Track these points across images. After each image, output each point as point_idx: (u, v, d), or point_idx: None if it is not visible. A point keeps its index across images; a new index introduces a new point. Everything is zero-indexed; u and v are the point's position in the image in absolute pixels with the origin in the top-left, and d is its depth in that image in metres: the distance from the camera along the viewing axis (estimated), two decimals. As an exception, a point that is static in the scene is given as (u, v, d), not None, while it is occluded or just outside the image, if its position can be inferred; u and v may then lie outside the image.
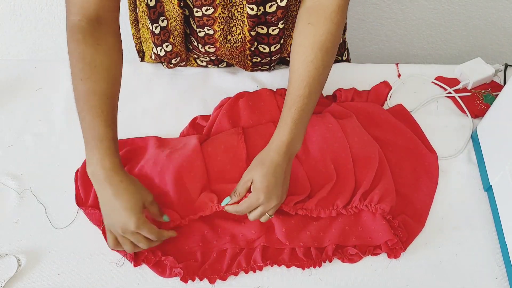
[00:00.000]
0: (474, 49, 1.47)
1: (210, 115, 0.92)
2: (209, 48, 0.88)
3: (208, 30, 0.84)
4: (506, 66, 0.98)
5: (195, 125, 0.91)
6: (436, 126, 0.91)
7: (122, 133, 0.90)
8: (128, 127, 0.91)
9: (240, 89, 0.94)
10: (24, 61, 1.02)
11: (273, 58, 0.94)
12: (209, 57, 0.96)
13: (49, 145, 0.89)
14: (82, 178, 0.82)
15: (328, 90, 0.95)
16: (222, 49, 0.88)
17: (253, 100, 0.91)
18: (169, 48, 0.91)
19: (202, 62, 0.99)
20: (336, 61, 1.04)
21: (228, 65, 1.00)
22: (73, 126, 0.91)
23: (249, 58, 0.92)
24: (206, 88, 0.97)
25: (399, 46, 1.48)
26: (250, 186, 0.73)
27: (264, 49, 0.90)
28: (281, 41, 0.89)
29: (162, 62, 0.99)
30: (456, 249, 0.77)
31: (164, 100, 0.95)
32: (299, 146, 0.75)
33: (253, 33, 0.84)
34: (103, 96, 0.71)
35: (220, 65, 0.99)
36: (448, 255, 0.77)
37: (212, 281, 0.74)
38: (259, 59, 0.93)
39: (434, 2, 1.33)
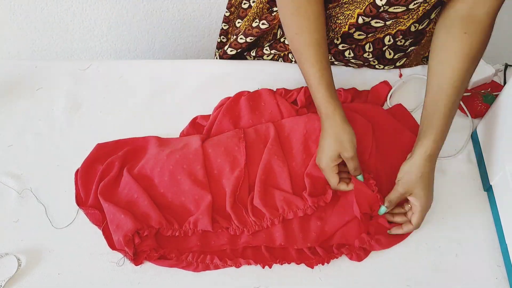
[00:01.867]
0: (474, 49, 1.46)
1: (210, 115, 0.92)
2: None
3: None
4: (506, 66, 0.98)
5: (195, 125, 0.91)
6: (436, 126, 0.91)
7: (122, 133, 0.90)
8: (128, 127, 0.91)
9: (240, 89, 0.94)
10: (24, 61, 1.02)
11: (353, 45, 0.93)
12: None
13: (49, 145, 0.88)
14: (82, 178, 0.82)
15: (328, 90, 0.95)
16: None
17: (253, 100, 0.91)
18: None
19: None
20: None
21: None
22: (73, 126, 0.91)
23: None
24: (207, 88, 0.97)
25: (399, 46, 1.48)
26: (405, 198, 0.77)
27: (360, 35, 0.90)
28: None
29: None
30: (456, 249, 0.77)
31: (164, 100, 0.95)
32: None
33: (360, 20, 0.84)
34: (316, 47, 0.78)
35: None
36: (448, 255, 0.77)
37: (224, 263, 0.74)
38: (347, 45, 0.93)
39: (434, 2, 1.33)
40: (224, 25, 1.08)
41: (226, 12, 1.06)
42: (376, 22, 0.85)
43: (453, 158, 0.87)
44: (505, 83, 0.96)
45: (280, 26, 0.96)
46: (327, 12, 0.87)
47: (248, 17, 0.98)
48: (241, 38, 0.97)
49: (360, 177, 0.79)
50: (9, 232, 0.78)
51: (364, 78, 0.98)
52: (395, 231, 0.77)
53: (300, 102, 0.91)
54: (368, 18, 0.83)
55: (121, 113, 0.94)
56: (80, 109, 0.94)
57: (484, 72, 0.95)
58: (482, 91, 0.95)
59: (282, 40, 0.96)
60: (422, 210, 0.75)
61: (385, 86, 0.96)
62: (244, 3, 1.00)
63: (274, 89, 0.94)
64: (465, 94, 0.94)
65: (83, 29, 1.41)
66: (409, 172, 0.76)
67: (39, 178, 0.84)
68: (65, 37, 1.44)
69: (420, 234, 0.79)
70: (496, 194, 0.79)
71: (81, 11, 1.36)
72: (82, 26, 1.40)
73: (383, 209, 0.77)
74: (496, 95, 0.91)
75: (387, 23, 0.84)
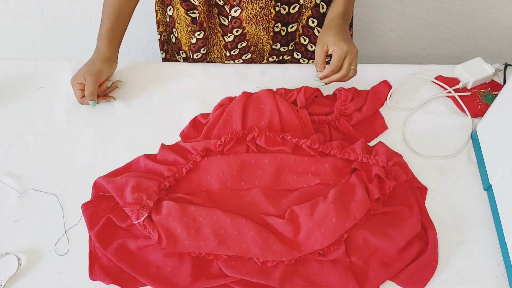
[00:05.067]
0: (474, 49, 1.47)
1: (210, 113, 0.92)
2: (235, 11, 0.89)
3: None
4: (506, 65, 0.98)
5: (195, 125, 0.91)
6: (436, 126, 0.91)
7: (122, 133, 0.90)
8: (128, 127, 0.91)
9: (239, 89, 0.94)
10: (24, 61, 1.02)
11: (290, 46, 0.96)
12: (235, 36, 0.97)
13: (49, 145, 0.89)
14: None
15: (328, 90, 0.95)
16: (250, 7, 0.91)
17: (253, 102, 0.90)
18: (195, 14, 0.95)
19: (230, 52, 1.00)
20: None
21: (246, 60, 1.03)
22: (73, 126, 0.91)
23: (272, 24, 0.96)
24: (206, 88, 0.97)
25: (399, 46, 1.48)
26: (327, 50, 0.86)
27: (283, 31, 0.96)
28: (301, 1, 0.94)
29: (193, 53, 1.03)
30: (456, 249, 0.77)
31: (164, 100, 0.95)
32: (349, 16, 0.92)
33: (277, 8, 0.88)
34: (116, 11, 0.94)
35: (244, 56, 1.02)
36: (448, 255, 0.77)
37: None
38: (279, 45, 0.97)
39: (434, 2, 1.33)
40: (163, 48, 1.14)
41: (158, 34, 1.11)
42: None
43: (453, 158, 0.87)
44: (505, 82, 0.96)
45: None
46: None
47: (184, 42, 1.02)
48: (196, 55, 1.02)
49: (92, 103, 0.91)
50: (9, 232, 0.78)
51: (364, 78, 0.98)
52: (320, 74, 0.87)
53: (300, 102, 0.91)
54: None
55: (121, 113, 0.94)
56: (80, 109, 0.94)
57: (484, 71, 0.95)
58: (482, 90, 0.95)
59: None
60: (338, 52, 0.83)
61: (385, 86, 0.96)
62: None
63: (274, 89, 0.94)
64: (465, 93, 0.95)
65: (83, 29, 1.41)
66: (323, 30, 0.89)
67: (39, 178, 0.84)
68: (65, 37, 1.44)
69: (420, 234, 0.79)
70: (496, 194, 0.79)
71: (81, 11, 1.36)
72: (82, 26, 1.40)
73: (317, 79, 0.88)
74: (496, 95, 0.91)
75: None
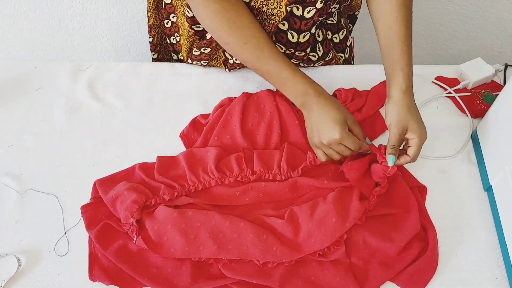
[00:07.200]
0: (474, 49, 1.47)
1: (210, 114, 0.92)
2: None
3: None
4: (506, 66, 0.98)
5: (195, 125, 0.91)
6: (436, 126, 0.91)
7: (122, 134, 0.90)
8: (128, 128, 0.91)
9: (240, 89, 0.94)
10: (24, 61, 1.02)
11: (296, 52, 0.93)
12: None
13: (49, 145, 0.88)
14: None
15: (328, 90, 0.95)
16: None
17: (253, 102, 0.90)
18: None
19: (229, 70, 0.99)
20: (337, 63, 1.04)
21: None
22: (73, 126, 0.91)
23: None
24: (206, 88, 0.97)
25: (399, 46, 1.48)
26: (405, 134, 0.78)
27: (293, 37, 0.90)
28: (312, 30, 0.89)
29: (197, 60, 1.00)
30: (456, 249, 0.77)
31: (164, 100, 0.95)
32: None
33: (289, 8, 0.84)
34: (268, 44, 0.80)
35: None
36: (448, 255, 0.77)
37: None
38: (284, 49, 0.93)
39: (434, 2, 1.33)
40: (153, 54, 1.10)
41: (149, 37, 1.07)
42: (308, 11, 0.85)
43: (453, 158, 0.87)
44: (505, 83, 0.96)
45: None
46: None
47: (184, 49, 0.99)
48: (195, 63, 0.98)
49: (367, 140, 0.80)
50: (9, 232, 0.78)
51: (364, 78, 0.98)
52: (396, 162, 0.77)
53: (300, 102, 0.91)
54: (295, 6, 0.84)
55: (121, 114, 0.94)
56: (80, 109, 0.94)
57: (484, 72, 0.95)
58: (482, 91, 0.95)
59: None
60: (420, 141, 0.77)
61: (385, 86, 0.95)
62: (167, 22, 1.01)
63: (274, 90, 0.94)
64: (465, 94, 0.95)
65: (83, 29, 1.41)
66: (396, 111, 0.78)
67: (39, 179, 0.84)
68: (65, 37, 1.44)
69: (420, 234, 0.79)
70: (496, 194, 0.79)
71: (81, 11, 1.36)
72: (82, 26, 1.41)
73: (391, 158, 0.76)
74: (496, 95, 0.91)
75: (318, 5, 0.84)
